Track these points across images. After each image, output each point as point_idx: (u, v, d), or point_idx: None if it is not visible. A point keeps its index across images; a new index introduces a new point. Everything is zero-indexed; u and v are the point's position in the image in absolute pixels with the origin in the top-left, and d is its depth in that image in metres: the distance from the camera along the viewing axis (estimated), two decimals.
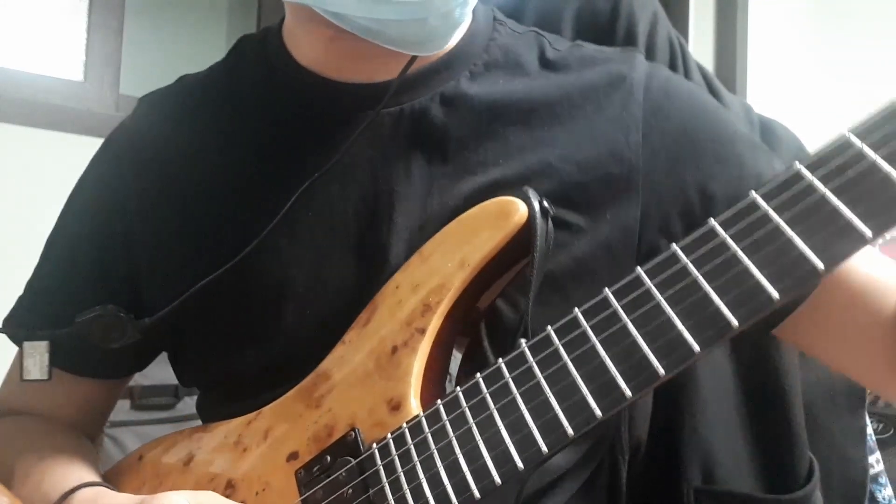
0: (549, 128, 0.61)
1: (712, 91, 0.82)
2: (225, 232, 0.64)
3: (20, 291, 0.73)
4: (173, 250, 0.66)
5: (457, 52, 0.65)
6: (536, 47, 0.67)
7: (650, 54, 0.78)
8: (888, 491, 0.92)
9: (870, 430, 0.87)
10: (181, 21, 2.29)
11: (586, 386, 0.45)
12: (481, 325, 0.59)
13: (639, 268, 0.45)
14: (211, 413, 0.68)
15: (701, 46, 2.35)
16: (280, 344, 0.62)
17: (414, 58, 0.60)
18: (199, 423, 0.69)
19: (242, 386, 0.64)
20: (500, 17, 0.69)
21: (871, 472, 0.85)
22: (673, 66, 0.79)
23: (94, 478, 0.62)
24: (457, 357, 0.60)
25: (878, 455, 0.90)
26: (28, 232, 1.56)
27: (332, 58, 0.64)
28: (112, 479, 0.67)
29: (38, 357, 0.65)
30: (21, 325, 0.70)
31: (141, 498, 0.53)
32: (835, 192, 0.41)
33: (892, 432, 1.76)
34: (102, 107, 1.90)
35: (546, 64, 0.66)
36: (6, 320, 0.72)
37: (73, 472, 0.62)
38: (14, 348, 0.70)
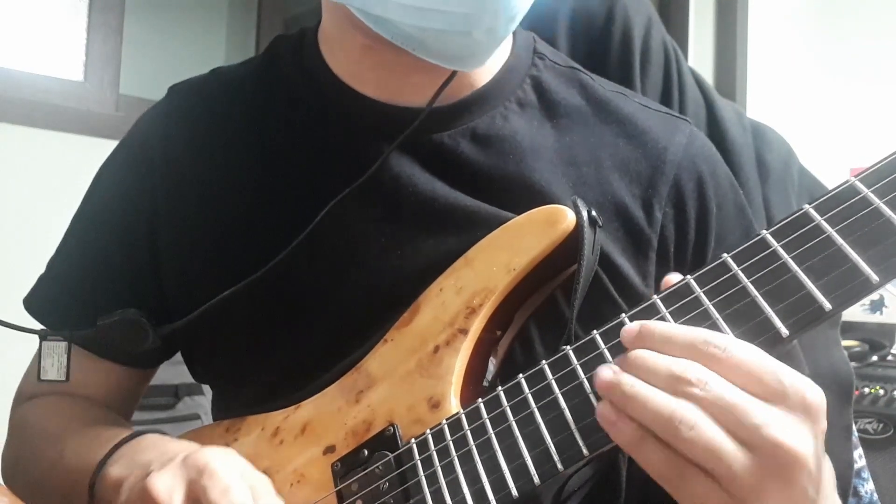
0: (574, 184, 0.62)
1: (704, 95, 0.82)
2: (249, 235, 0.64)
3: (21, 288, 0.73)
4: (196, 246, 0.66)
5: (492, 87, 0.64)
6: (576, 86, 0.67)
7: (644, 59, 0.78)
8: (870, 485, 0.93)
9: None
10: (181, 21, 2.29)
11: None
12: (530, 328, 0.59)
13: (689, 276, 0.46)
14: (223, 412, 0.69)
15: (701, 50, 2.35)
16: (296, 353, 0.63)
17: (450, 79, 0.60)
18: (200, 423, 0.69)
19: (256, 390, 0.65)
20: (541, 49, 0.69)
21: (854, 466, 0.85)
22: (667, 71, 0.80)
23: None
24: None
25: (860, 450, 0.91)
26: (28, 231, 1.57)
27: (365, 69, 0.64)
28: None
29: (55, 357, 0.66)
30: (43, 307, 0.71)
31: (198, 447, 0.54)
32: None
33: (892, 432, 1.76)
34: (102, 107, 1.90)
35: (585, 107, 0.66)
36: (27, 299, 0.72)
37: (127, 428, 0.64)
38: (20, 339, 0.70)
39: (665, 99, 0.80)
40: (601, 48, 0.79)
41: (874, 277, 0.41)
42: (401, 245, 0.61)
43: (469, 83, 0.64)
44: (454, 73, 0.60)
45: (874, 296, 2.02)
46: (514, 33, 0.68)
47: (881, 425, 1.77)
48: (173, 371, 0.76)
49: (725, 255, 0.45)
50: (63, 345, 0.66)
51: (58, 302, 0.71)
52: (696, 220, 0.64)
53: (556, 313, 0.59)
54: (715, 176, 0.66)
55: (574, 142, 0.64)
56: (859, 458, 0.90)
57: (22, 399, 0.75)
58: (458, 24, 0.55)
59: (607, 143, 0.64)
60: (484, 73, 0.64)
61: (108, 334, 0.65)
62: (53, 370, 0.66)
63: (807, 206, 0.44)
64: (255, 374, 0.65)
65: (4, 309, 0.73)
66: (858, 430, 1.72)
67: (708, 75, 2.36)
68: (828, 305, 0.41)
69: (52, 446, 0.65)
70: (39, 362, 0.66)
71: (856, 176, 0.44)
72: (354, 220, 0.62)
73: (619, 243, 0.61)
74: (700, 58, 2.35)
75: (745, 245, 0.45)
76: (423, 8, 0.54)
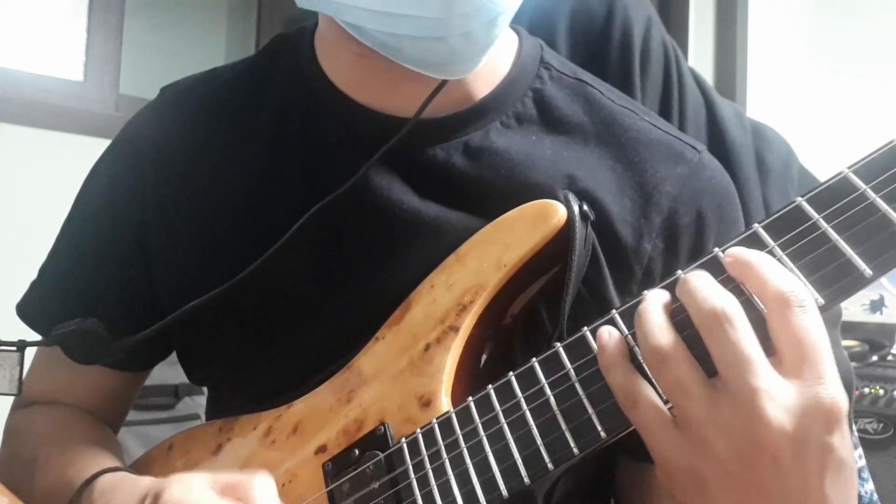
0: None
1: (705, 95, 0.82)
2: (239, 239, 0.64)
3: (22, 288, 0.73)
4: (186, 249, 0.66)
5: (490, 100, 0.63)
6: (581, 101, 0.65)
7: (644, 59, 0.78)
8: (870, 486, 0.93)
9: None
10: (181, 21, 2.29)
11: None
12: (514, 329, 0.59)
13: (680, 271, 0.45)
14: (218, 413, 0.68)
15: (701, 50, 2.35)
16: (288, 359, 0.63)
17: (439, 89, 0.59)
18: (199, 423, 0.69)
19: (249, 393, 0.65)
20: (548, 59, 0.66)
21: (855, 466, 0.85)
22: (667, 71, 0.80)
23: (117, 464, 0.63)
24: None
25: (860, 451, 0.91)
26: (28, 231, 1.57)
27: (359, 76, 0.63)
28: (142, 468, 0.68)
29: (7, 370, 0.62)
30: (36, 314, 0.70)
31: (161, 481, 0.53)
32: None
33: (891, 432, 1.77)
34: (102, 107, 1.90)
35: (588, 125, 0.64)
36: (20, 306, 0.72)
37: (96, 460, 0.63)
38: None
39: (665, 99, 0.80)
40: (601, 48, 0.79)
41: (867, 272, 0.41)
42: (389, 257, 0.61)
43: (468, 95, 0.62)
44: (444, 82, 0.59)
45: (874, 296, 2.02)
46: (521, 41, 0.67)
47: (881, 425, 1.77)
48: (173, 371, 0.76)
49: (717, 249, 0.45)
50: (15, 356, 0.63)
51: (50, 308, 0.70)
52: (689, 258, 0.61)
53: (539, 314, 0.59)
54: (720, 211, 0.63)
55: (572, 158, 0.62)
56: (859, 458, 0.90)
57: (17, 405, 0.74)
58: (429, 30, 0.53)
59: (605, 166, 0.62)
60: (484, 85, 0.63)
61: (65, 343, 0.62)
62: (5, 383, 0.62)
63: (800, 198, 0.44)
64: (248, 378, 0.65)
65: (6, 309, 0.73)
66: (858, 430, 1.72)
67: (708, 75, 2.36)
68: (821, 301, 0.42)
69: (29, 477, 0.65)
70: None
71: (849, 167, 0.43)
72: (344, 229, 0.61)
73: (604, 270, 0.60)
74: (700, 58, 2.35)
75: (738, 239, 0.45)
76: (390, 13, 0.53)
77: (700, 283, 0.42)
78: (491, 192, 0.60)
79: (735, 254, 0.43)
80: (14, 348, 0.63)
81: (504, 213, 0.58)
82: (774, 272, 0.41)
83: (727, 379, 0.39)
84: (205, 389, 0.76)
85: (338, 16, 0.56)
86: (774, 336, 0.40)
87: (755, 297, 0.42)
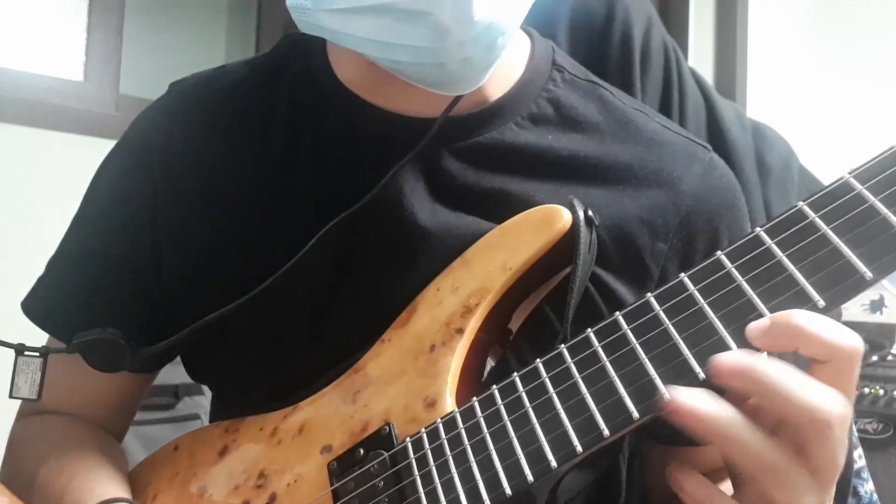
0: (581, 201, 0.59)
1: (705, 96, 0.82)
2: (249, 240, 0.64)
3: (22, 289, 0.73)
4: (196, 249, 0.65)
5: (504, 101, 0.63)
6: (596, 101, 0.65)
7: (645, 59, 0.78)
8: (870, 485, 0.93)
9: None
10: (181, 21, 2.29)
11: (624, 388, 0.45)
12: (521, 332, 0.59)
13: (683, 274, 0.46)
14: (222, 414, 0.68)
15: (701, 50, 2.35)
16: (296, 365, 0.63)
17: (456, 100, 0.59)
18: (200, 423, 0.69)
19: (254, 391, 0.65)
20: (560, 61, 0.67)
21: (854, 466, 0.86)
22: (667, 72, 0.80)
23: (118, 489, 0.62)
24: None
25: (860, 450, 0.91)
26: (28, 231, 1.57)
27: (370, 81, 0.63)
28: (147, 468, 0.68)
29: (29, 374, 0.62)
30: (42, 311, 0.69)
31: None
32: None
33: (891, 432, 1.77)
34: (102, 107, 1.90)
35: (604, 123, 0.64)
36: (25, 303, 0.71)
37: (97, 486, 0.62)
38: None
39: (665, 99, 0.80)
40: (601, 48, 0.79)
41: (868, 274, 0.41)
42: (400, 259, 0.61)
43: (481, 98, 0.62)
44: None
45: (874, 296, 2.02)
46: (533, 43, 0.67)
47: (881, 425, 1.78)
48: (173, 371, 0.76)
49: (720, 252, 0.45)
50: (38, 361, 0.63)
51: (59, 305, 0.69)
52: (704, 256, 0.61)
53: (545, 319, 0.59)
54: (733, 209, 0.64)
55: (588, 158, 0.62)
56: (859, 458, 0.90)
57: (23, 413, 0.73)
58: (426, 57, 0.54)
59: (621, 165, 0.62)
60: (497, 87, 0.63)
61: (85, 353, 0.62)
62: (26, 388, 0.62)
63: (801, 203, 0.44)
64: (254, 380, 0.65)
65: (6, 310, 0.72)
66: (858, 430, 1.73)
67: (708, 75, 2.36)
68: (822, 303, 0.42)
69: (27, 496, 0.63)
70: (13, 378, 0.63)
71: (849, 172, 0.44)
72: (356, 231, 0.61)
73: (618, 269, 0.60)
74: (700, 58, 2.35)
75: (740, 242, 0.45)
76: (387, 42, 0.54)
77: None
78: (505, 192, 0.61)
79: (777, 321, 0.41)
80: (38, 354, 0.63)
81: (517, 213, 0.59)
82: (830, 328, 0.40)
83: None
84: (205, 389, 0.75)
85: (338, 43, 0.57)
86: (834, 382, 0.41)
87: None
